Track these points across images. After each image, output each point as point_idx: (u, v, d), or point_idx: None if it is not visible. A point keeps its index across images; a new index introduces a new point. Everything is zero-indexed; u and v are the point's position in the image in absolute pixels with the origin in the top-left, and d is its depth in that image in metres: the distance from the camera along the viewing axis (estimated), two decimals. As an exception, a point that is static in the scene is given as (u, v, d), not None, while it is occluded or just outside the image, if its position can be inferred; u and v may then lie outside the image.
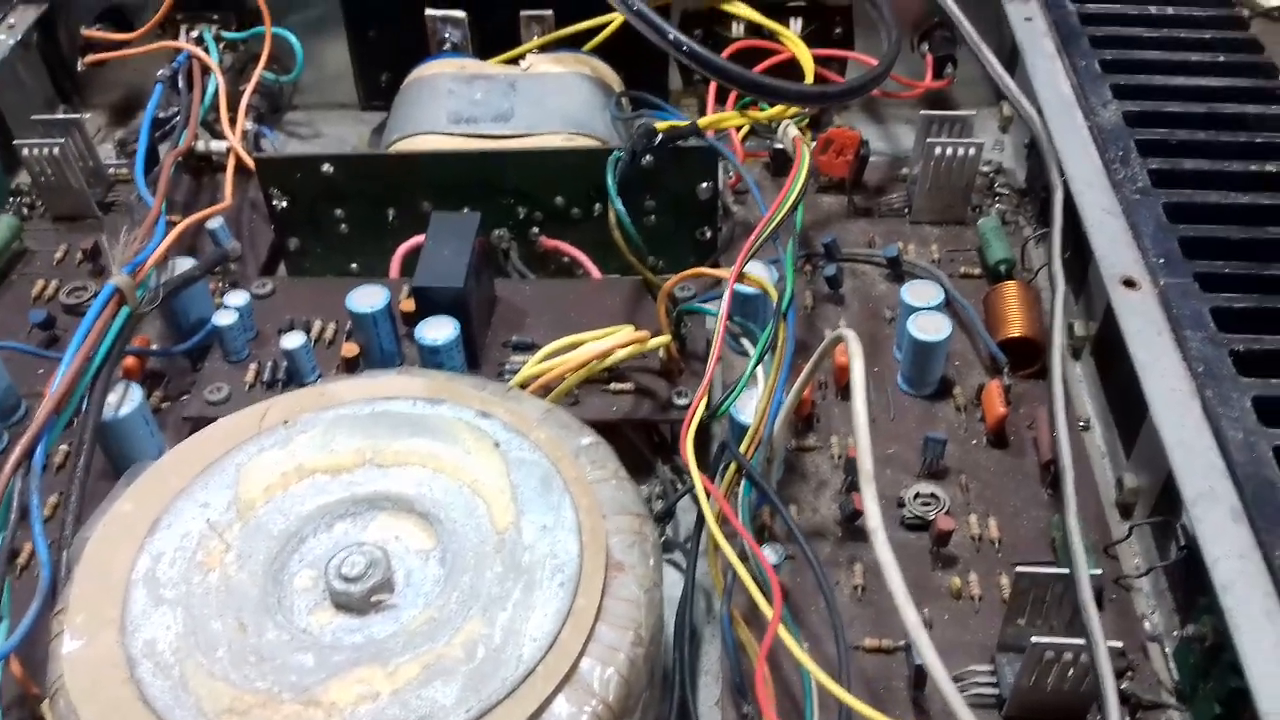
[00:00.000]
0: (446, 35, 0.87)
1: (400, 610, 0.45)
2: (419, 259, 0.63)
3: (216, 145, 0.82)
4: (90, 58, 0.89)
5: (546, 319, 0.67)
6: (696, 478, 0.52)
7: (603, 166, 0.64)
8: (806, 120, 0.80)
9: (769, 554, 0.53)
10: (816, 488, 0.60)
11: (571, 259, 0.73)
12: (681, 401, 0.61)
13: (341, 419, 0.51)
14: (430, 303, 0.62)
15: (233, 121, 0.81)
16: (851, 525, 0.57)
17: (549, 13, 0.86)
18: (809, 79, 0.81)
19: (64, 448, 0.61)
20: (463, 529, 0.47)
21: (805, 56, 0.82)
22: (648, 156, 0.68)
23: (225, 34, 0.88)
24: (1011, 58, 0.84)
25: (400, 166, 0.72)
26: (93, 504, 0.50)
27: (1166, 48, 0.82)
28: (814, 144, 0.77)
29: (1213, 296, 0.61)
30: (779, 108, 0.75)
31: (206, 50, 0.85)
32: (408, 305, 0.64)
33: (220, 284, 0.73)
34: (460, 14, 0.86)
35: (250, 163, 0.76)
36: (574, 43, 0.85)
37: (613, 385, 0.63)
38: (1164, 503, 0.56)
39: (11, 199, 0.82)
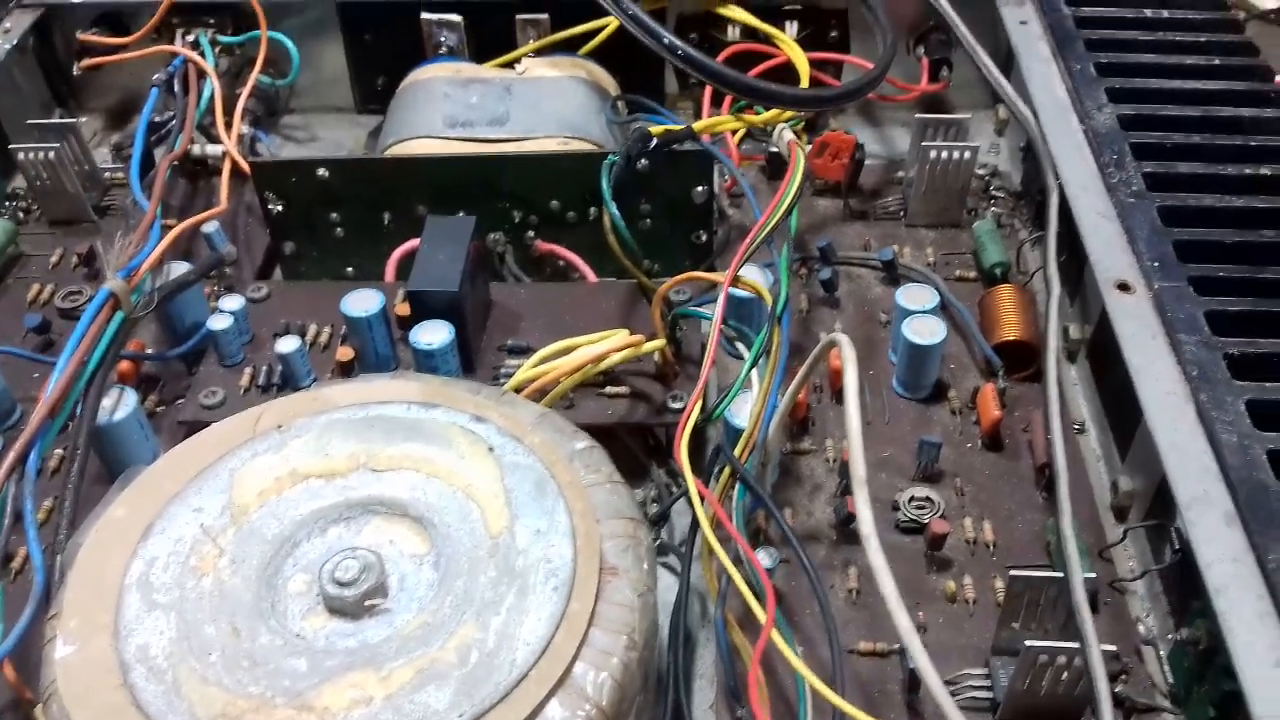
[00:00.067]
0: (442, 39, 0.87)
1: (394, 615, 0.44)
2: (414, 263, 0.63)
3: (212, 149, 0.81)
4: (86, 62, 0.89)
5: (542, 322, 0.67)
6: (691, 482, 0.52)
7: (598, 170, 0.64)
8: (802, 124, 0.81)
9: (763, 557, 0.53)
10: (811, 491, 0.60)
11: (567, 263, 0.73)
12: (676, 405, 0.61)
13: (336, 423, 0.51)
14: (425, 306, 0.62)
15: (228, 125, 0.81)
16: (846, 529, 0.57)
17: (545, 17, 0.86)
18: (804, 82, 0.81)
19: (59, 452, 0.61)
20: (456, 533, 0.47)
21: (801, 60, 0.82)
22: (643, 160, 0.68)
23: (221, 38, 0.88)
24: (1007, 61, 0.84)
25: (396, 170, 0.72)
26: (87, 508, 0.50)
27: (1162, 51, 0.82)
28: (809, 147, 0.77)
29: (1207, 300, 0.61)
30: (774, 111, 0.75)
31: (202, 54, 0.85)
32: (403, 309, 0.64)
33: (215, 288, 0.73)
34: (456, 18, 0.86)
35: (246, 167, 0.75)
36: (570, 46, 0.85)
37: (608, 389, 0.63)
38: (1158, 506, 0.56)
39: (7, 203, 0.82)
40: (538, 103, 0.78)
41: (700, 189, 0.71)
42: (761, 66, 0.84)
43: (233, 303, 0.65)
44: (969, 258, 0.74)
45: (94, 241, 0.75)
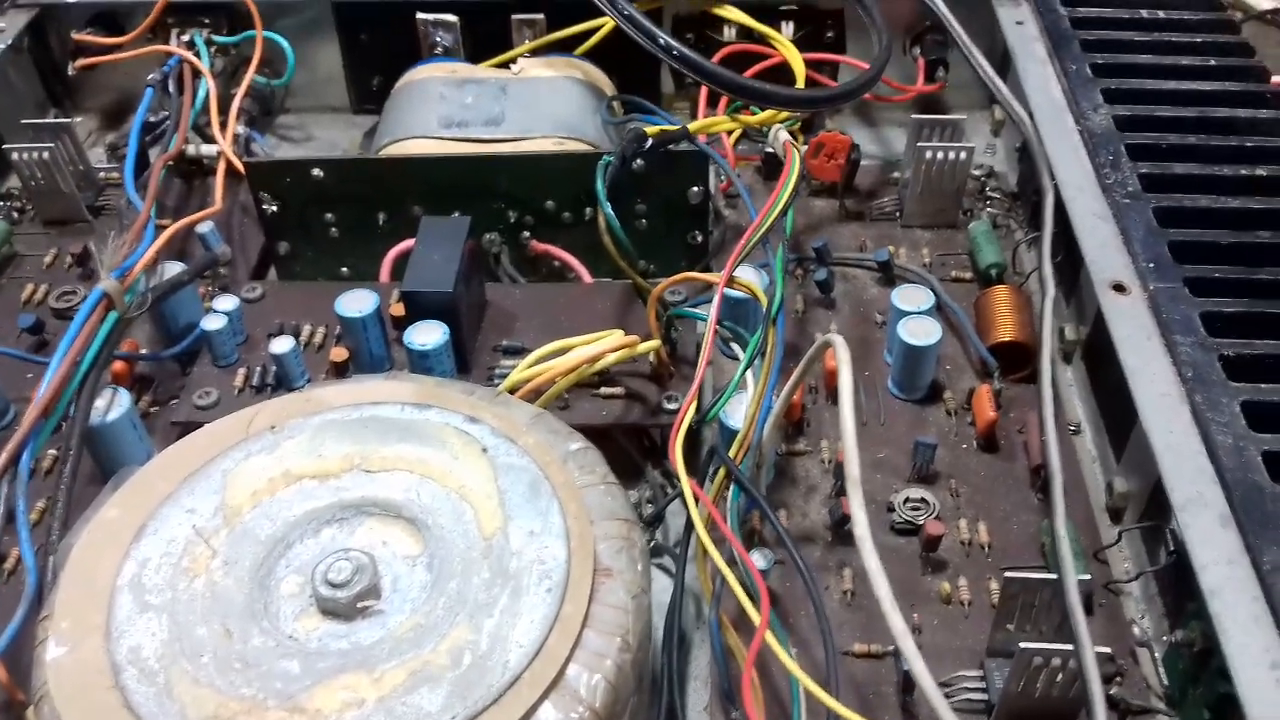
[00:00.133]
0: (438, 39, 0.87)
1: (387, 616, 0.44)
2: (408, 263, 0.63)
3: (207, 149, 0.81)
4: (81, 61, 0.89)
5: (536, 323, 0.67)
6: (685, 483, 0.52)
7: (593, 171, 0.64)
8: (798, 124, 0.81)
9: (758, 559, 0.53)
10: (806, 492, 0.60)
11: (562, 263, 0.73)
12: (671, 406, 0.61)
13: (329, 424, 0.51)
14: (419, 307, 0.62)
15: (223, 125, 0.81)
16: (841, 530, 0.57)
17: (540, 17, 0.86)
18: (800, 83, 0.81)
19: (52, 452, 0.61)
20: (450, 534, 0.47)
21: (796, 60, 0.82)
22: (638, 161, 0.68)
23: (216, 38, 0.88)
24: (1003, 61, 0.84)
25: (391, 171, 0.72)
26: (80, 509, 0.50)
27: (1158, 52, 0.82)
28: (805, 148, 0.76)
29: (1202, 301, 0.61)
30: (770, 112, 0.75)
31: (197, 54, 0.84)
32: (397, 309, 0.64)
33: (210, 288, 0.73)
34: (452, 18, 0.86)
35: (240, 167, 0.75)
36: (565, 47, 0.85)
37: (602, 390, 0.62)
38: (1154, 508, 0.56)
39: (1, 203, 0.81)
40: (533, 103, 0.78)
41: (696, 189, 0.71)
42: (757, 67, 0.84)
43: (227, 303, 0.65)
44: (965, 258, 0.74)
45: (88, 241, 0.75)
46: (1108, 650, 0.48)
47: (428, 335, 0.60)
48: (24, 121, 0.80)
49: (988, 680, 0.51)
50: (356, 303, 0.63)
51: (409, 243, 0.66)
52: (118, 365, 0.64)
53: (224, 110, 0.82)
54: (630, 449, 0.63)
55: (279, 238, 0.74)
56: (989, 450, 0.62)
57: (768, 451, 0.57)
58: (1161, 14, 0.86)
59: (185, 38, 0.87)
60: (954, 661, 0.52)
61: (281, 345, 0.62)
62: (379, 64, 0.90)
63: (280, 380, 0.63)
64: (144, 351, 0.67)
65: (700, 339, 0.63)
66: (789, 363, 0.58)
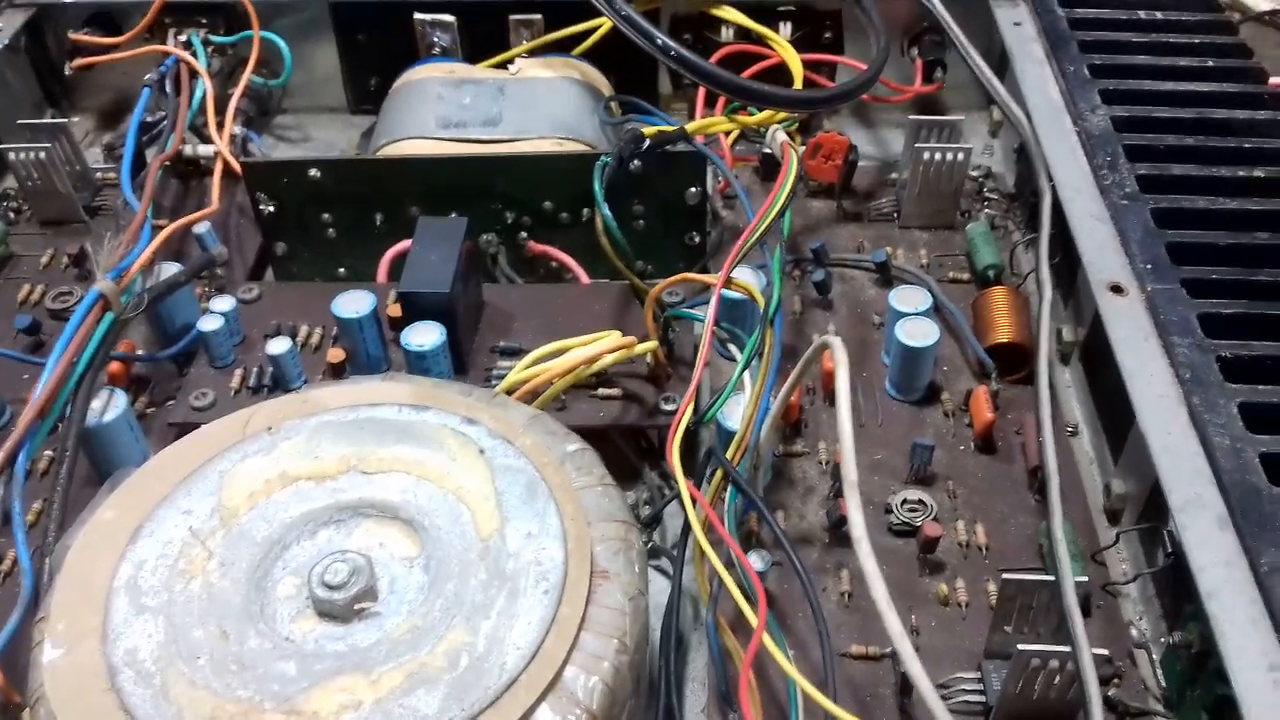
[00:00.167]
0: (435, 39, 0.87)
1: (384, 618, 0.44)
2: (405, 264, 0.63)
3: (204, 149, 0.81)
4: (78, 62, 0.89)
5: (534, 324, 0.67)
6: (682, 484, 0.51)
7: (591, 171, 0.64)
8: (795, 125, 0.80)
9: (755, 561, 0.53)
10: (804, 493, 0.60)
11: (559, 264, 0.73)
12: (669, 407, 0.61)
13: (326, 425, 0.51)
14: (416, 308, 0.62)
15: (220, 126, 0.81)
16: (838, 531, 0.57)
17: (538, 17, 0.86)
18: (798, 84, 0.81)
19: (48, 454, 0.61)
20: (447, 536, 0.46)
21: (794, 61, 0.82)
22: (636, 162, 0.68)
23: (213, 38, 0.88)
24: (1001, 62, 0.84)
25: (388, 171, 0.72)
26: (76, 510, 0.50)
27: (1155, 53, 0.82)
28: (803, 149, 0.76)
29: (1200, 302, 0.61)
30: (768, 113, 0.75)
31: (194, 54, 0.84)
32: (394, 310, 0.64)
33: (206, 289, 0.73)
34: (449, 18, 0.86)
35: (237, 167, 0.75)
36: (563, 47, 0.85)
37: (600, 391, 0.62)
38: (1151, 509, 0.56)
39: (-2, 203, 0.82)
40: (531, 103, 0.78)
41: (693, 190, 0.71)
42: (755, 68, 0.84)
43: (223, 304, 0.65)
44: (962, 260, 0.74)
45: (85, 242, 0.75)
46: (1105, 652, 0.48)
47: (425, 336, 0.60)
48: (20, 121, 0.80)
49: (985, 682, 0.51)
50: (353, 303, 0.62)
51: (406, 243, 0.66)
52: (114, 366, 0.64)
53: (221, 110, 0.82)
54: (627, 450, 0.63)
55: (276, 238, 0.73)
56: (987, 452, 0.62)
57: (765, 453, 0.57)
58: (1159, 15, 0.86)
59: (182, 38, 0.87)
60: (952, 663, 0.52)
61: (278, 346, 0.62)
62: (376, 64, 0.90)
63: (277, 381, 0.63)
64: (140, 352, 0.67)
65: (698, 340, 0.63)
66: (786, 364, 0.58)
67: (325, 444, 0.50)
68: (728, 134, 0.80)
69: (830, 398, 0.65)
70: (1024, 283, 0.71)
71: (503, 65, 0.85)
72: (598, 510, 0.48)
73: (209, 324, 0.64)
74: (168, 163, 0.77)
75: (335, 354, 0.64)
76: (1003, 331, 0.65)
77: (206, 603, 0.44)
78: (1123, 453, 0.59)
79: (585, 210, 0.72)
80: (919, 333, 0.62)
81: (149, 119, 0.81)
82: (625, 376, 0.63)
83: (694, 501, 0.51)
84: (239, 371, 0.64)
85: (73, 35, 0.89)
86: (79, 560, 0.46)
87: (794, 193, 0.65)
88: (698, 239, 0.73)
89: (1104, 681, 0.49)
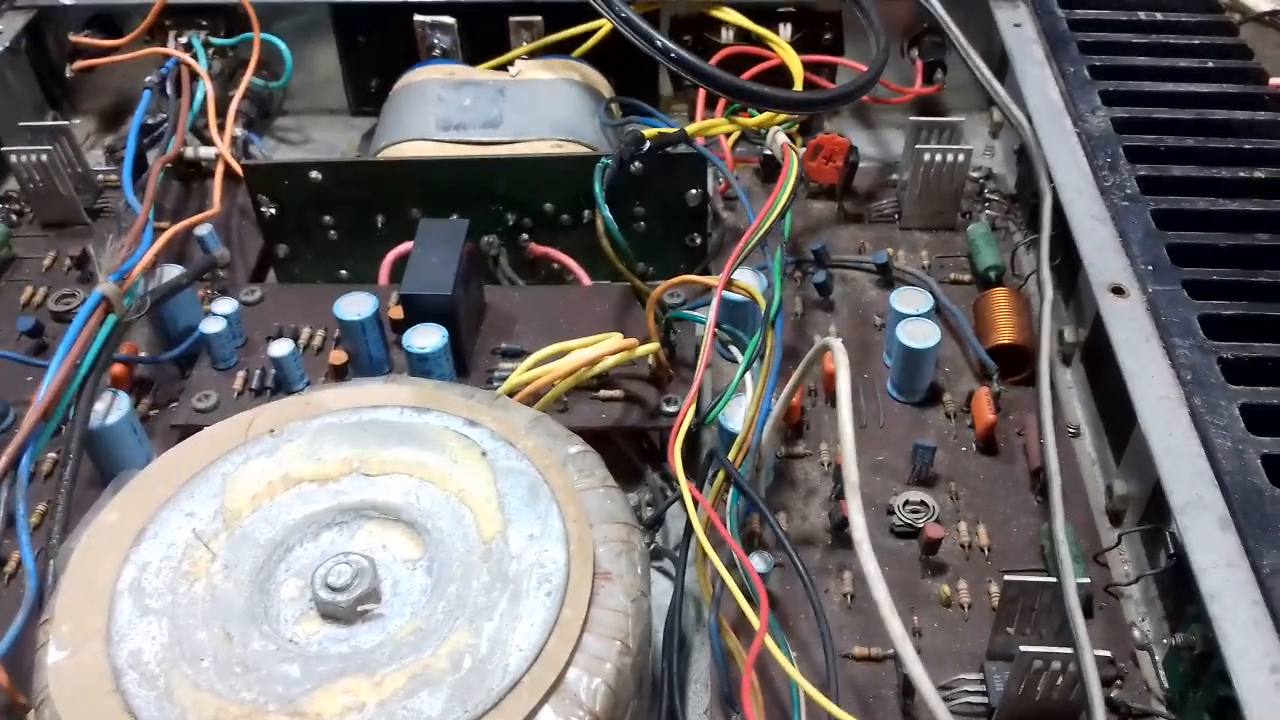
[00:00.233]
0: (436, 41, 0.87)
1: (387, 620, 0.44)
2: (407, 266, 0.63)
3: (205, 151, 0.81)
4: (79, 64, 0.89)
5: (535, 325, 0.67)
6: (684, 486, 0.51)
7: (591, 173, 0.64)
8: (796, 126, 0.81)
9: (757, 562, 0.53)
10: (806, 495, 0.60)
11: (561, 265, 0.73)
12: (670, 409, 0.61)
13: (328, 428, 0.51)
14: (418, 310, 0.62)
15: (221, 128, 0.81)
16: (840, 533, 0.57)
17: (538, 19, 0.86)
18: (798, 85, 0.81)
19: (51, 456, 0.61)
20: (449, 538, 0.47)
21: (794, 62, 0.82)
22: (636, 163, 0.68)
23: (214, 40, 0.88)
24: (1001, 64, 0.85)
25: (389, 173, 0.72)
26: (80, 512, 0.50)
27: (1155, 54, 0.82)
28: (803, 150, 0.76)
29: (1201, 304, 0.61)
30: (768, 114, 0.75)
31: (195, 56, 0.84)
32: (396, 312, 0.64)
33: (209, 291, 0.73)
34: (449, 20, 0.86)
35: (239, 169, 0.75)
36: (563, 49, 0.85)
37: (601, 392, 0.62)
38: (1153, 510, 0.56)
39: (0, 206, 0.81)
40: (531, 105, 0.78)
41: (694, 192, 0.71)
42: (755, 69, 0.84)
43: (226, 306, 0.65)
44: (963, 261, 0.74)
45: (87, 244, 0.75)
46: (1108, 653, 0.48)
47: (427, 338, 0.60)
48: (22, 124, 0.80)
49: (988, 684, 0.51)
50: (355, 305, 0.63)
51: (407, 245, 0.66)
52: (117, 368, 0.64)
53: (222, 112, 0.82)
54: (629, 452, 0.63)
55: (278, 240, 0.74)
56: (988, 453, 0.62)
57: (767, 454, 0.57)
58: (1159, 16, 0.86)
59: (183, 40, 0.87)
60: (954, 665, 0.52)
61: (280, 348, 0.62)
62: (377, 66, 0.90)
63: (279, 383, 0.63)
64: (143, 354, 0.67)
65: (699, 341, 0.63)
66: (788, 365, 0.58)
67: (328, 446, 0.50)
68: (728, 135, 0.80)
69: (832, 399, 0.65)
70: (1025, 284, 0.71)
71: (503, 67, 0.85)
72: (600, 512, 0.48)
73: (211, 326, 0.64)
74: (169, 165, 0.77)
75: (337, 356, 0.64)
76: (1004, 333, 0.65)
77: (210, 605, 0.44)
78: (1124, 454, 0.59)
79: (586, 212, 0.72)
80: (920, 334, 0.62)
81: (150, 121, 0.81)
82: (627, 378, 0.63)
83: (696, 503, 0.51)
84: (241, 373, 0.64)
85: (73, 37, 0.89)
86: (83, 562, 0.46)
87: (795, 194, 0.65)
88: (699, 240, 0.74)
89: (1106, 683, 0.49)
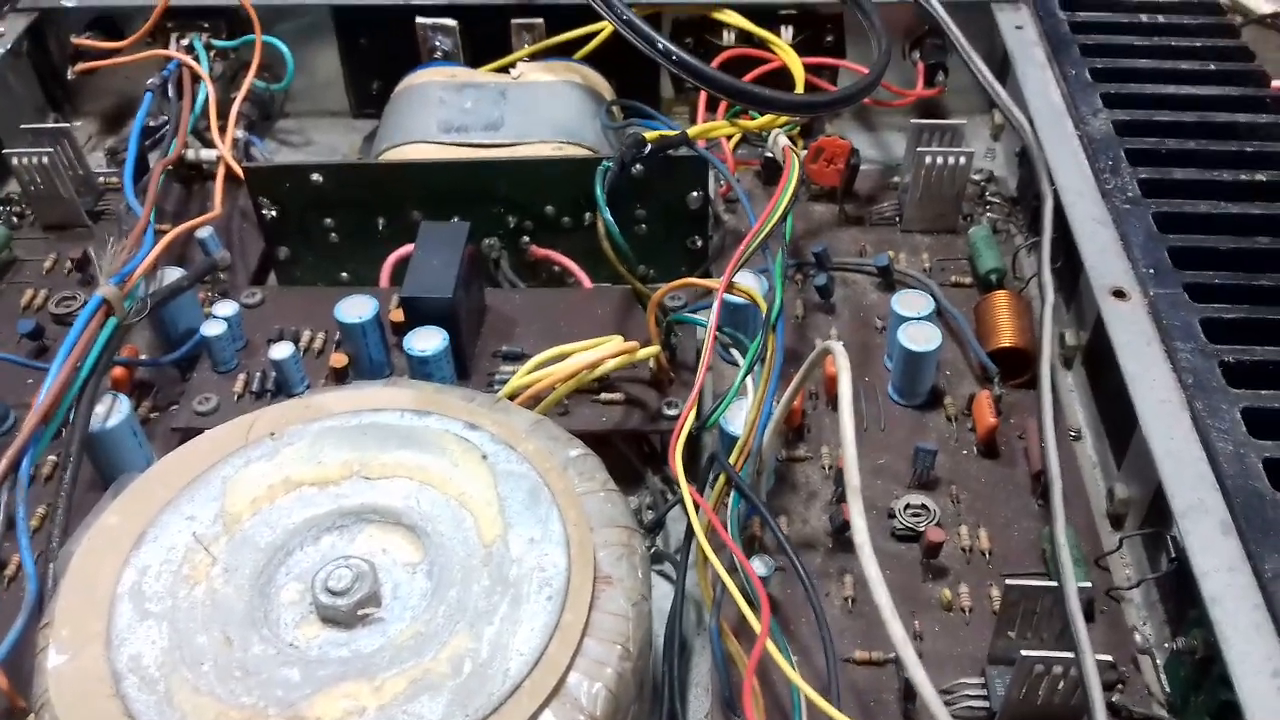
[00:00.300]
0: (437, 43, 0.87)
1: (387, 624, 0.44)
2: (408, 269, 0.63)
3: (206, 154, 0.81)
4: (80, 66, 0.89)
5: (536, 328, 0.67)
6: (685, 489, 0.51)
7: (593, 176, 0.64)
8: (797, 129, 0.80)
9: (758, 566, 0.53)
10: (807, 498, 0.60)
11: (562, 268, 0.73)
12: (671, 412, 0.61)
13: (329, 431, 0.51)
14: (419, 313, 0.62)
15: (223, 130, 0.81)
16: (841, 536, 0.57)
17: (539, 21, 0.86)
18: (799, 87, 0.81)
19: (52, 459, 0.61)
20: (450, 542, 0.47)
21: (796, 65, 0.82)
22: (637, 166, 0.68)
23: (215, 42, 0.88)
24: (1002, 66, 0.85)
25: (390, 175, 0.72)
26: (80, 515, 0.50)
27: (1157, 56, 0.82)
28: (804, 153, 0.76)
29: (1203, 307, 0.61)
30: (769, 116, 0.75)
31: (196, 58, 0.84)
32: (397, 315, 0.64)
33: (209, 293, 0.73)
34: (451, 22, 0.86)
35: (240, 172, 0.75)
36: (565, 51, 0.85)
37: (602, 395, 0.62)
38: (1154, 514, 0.56)
39: (1, 208, 0.81)
40: (532, 107, 0.78)
41: (695, 194, 0.71)
42: (757, 71, 0.84)
43: (226, 308, 0.65)
44: (964, 263, 0.74)
45: (88, 246, 0.75)
46: (1109, 658, 0.48)
47: (427, 341, 0.60)
48: (23, 126, 0.80)
49: (989, 688, 0.51)
50: (356, 308, 0.63)
51: (408, 248, 0.66)
52: (117, 371, 0.64)
53: (223, 115, 0.82)
54: (630, 455, 0.63)
55: (279, 243, 0.74)
56: (989, 456, 0.62)
57: (768, 457, 0.57)
58: (1161, 18, 0.86)
59: (184, 42, 0.87)
60: (955, 669, 0.52)
61: (281, 351, 0.62)
62: (378, 68, 0.90)
63: (280, 386, 0.63)
64: (144, 357, 0.67)
65: (700, 345, 0.63)
66: (789, 368, 0.58)
67: (328, 449, 0.50)
68: (729, 138, 0.80)
69: (833, 402, 0.65)
70: (1026, 287, 0.71)
71: (504, 69, 0.85)
72: (600, 515, 0.48)
73: (212, 329, 0.64)
74: (170, 167, 0.77)
75: (338, 359, 0.64)
76: (1005, 336, 0.65)
77: (210, 608, 0.44)
78: (1125, 457, 0.59)
79: (587, 215, 0.72)
80: (921, 337, 0.62)
81: (151, 123, 0.81)
82: (628, 381, 0.63)
83: (697, 506, 0.51)
84: (242, 376, 0.64)
85: (75, 40, 0.89)
86: (83, 565, 0.46)
87: (796, 197, 0.65)
88: (699, 243, 0.73)
89: (1108, 687, 0.49)
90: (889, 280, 0.72)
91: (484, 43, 0.87)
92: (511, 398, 0.57)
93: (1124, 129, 0.75)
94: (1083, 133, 0.75)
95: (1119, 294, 0.63)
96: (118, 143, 0.87)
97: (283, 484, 0.49)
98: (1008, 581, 0.49)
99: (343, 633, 0.44)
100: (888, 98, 0.87)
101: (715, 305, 0.58)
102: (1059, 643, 0.48)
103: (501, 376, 0.63)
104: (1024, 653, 0.46)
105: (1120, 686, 0.51)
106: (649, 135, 0.68)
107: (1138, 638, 0.54)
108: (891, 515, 0.58)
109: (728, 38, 0.87)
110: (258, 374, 0.64)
